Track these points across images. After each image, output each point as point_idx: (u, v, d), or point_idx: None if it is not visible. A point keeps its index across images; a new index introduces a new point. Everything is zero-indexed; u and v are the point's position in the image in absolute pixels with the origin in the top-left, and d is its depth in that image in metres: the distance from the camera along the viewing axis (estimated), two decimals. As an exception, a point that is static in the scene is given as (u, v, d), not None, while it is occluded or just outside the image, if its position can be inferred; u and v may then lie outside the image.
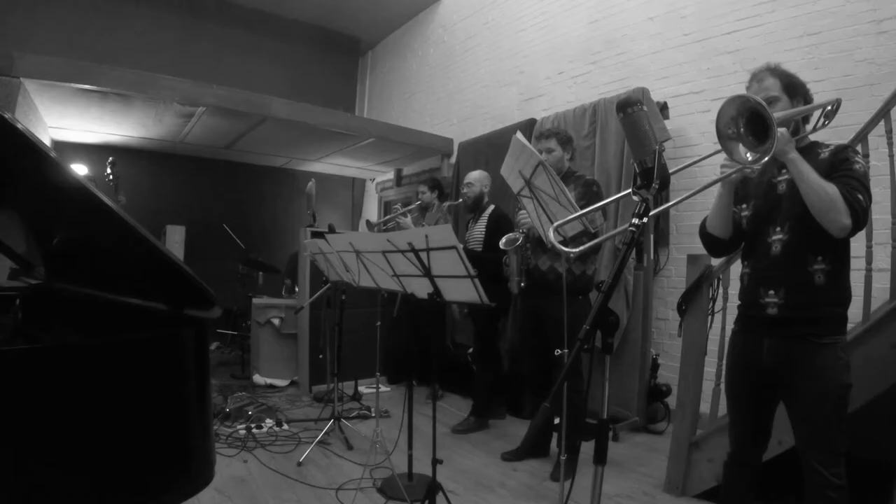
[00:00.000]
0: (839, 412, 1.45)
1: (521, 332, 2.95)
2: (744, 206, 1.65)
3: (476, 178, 3.40)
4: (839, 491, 1.42)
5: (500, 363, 3.65)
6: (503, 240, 2.64)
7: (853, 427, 1.83)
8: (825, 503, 1.42)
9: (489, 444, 3.13)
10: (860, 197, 1.37)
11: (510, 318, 3.83)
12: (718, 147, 1.29)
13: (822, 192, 1.36)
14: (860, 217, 1.36)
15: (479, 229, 3.37)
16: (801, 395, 1.49)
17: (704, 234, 1.72)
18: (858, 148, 1.85)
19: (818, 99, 1.63)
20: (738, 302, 1.73)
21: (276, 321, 4.39)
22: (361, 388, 4.13)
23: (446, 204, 4.12)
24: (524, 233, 2.59)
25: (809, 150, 1.51)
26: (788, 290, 1.49)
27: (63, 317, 1.73)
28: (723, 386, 2.42)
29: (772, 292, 1.51)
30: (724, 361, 1.87)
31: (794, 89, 1.55)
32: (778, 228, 1.53)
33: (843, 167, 1.44)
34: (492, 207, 3.39)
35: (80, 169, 4.98)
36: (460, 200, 3.62)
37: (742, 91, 1.57)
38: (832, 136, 2.46)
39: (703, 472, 2.31)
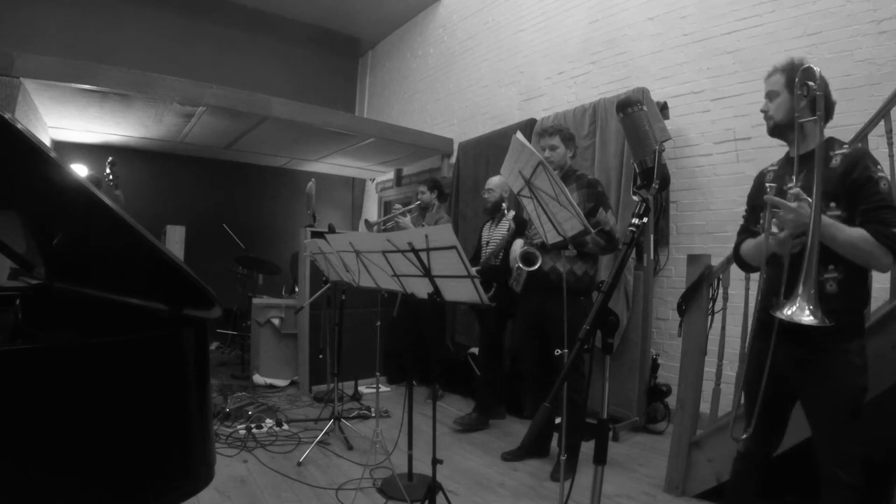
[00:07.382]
0: (853, 415, 1.47)
1: (522, 332, 2.95)
2: (762, 215, 1.65)
3: (497, 183, 3.47)
4: (852, 490, 1.45)
5: (503, 362, 3.66)
6: (519, 258, 2.68)
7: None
8: (838, 501, 1.46)
9: (489, 444, 3.13)
10: (895, 231, 1.36)
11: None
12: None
13: (857, 250, 1.38)
14: None
15: (500, 232, 3.43)
16: (816, 400, 1.52)
17: (743, 264, 1.78)
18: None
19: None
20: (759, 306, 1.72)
21: (276, 321, 4.39)
22: (361, 388, 4.13)
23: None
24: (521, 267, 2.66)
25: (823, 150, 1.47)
26: None
27: (63, 317, 1.73)
28: (723, 386, 2.41)
29: (785, 300, 1.50)
30: (746, 363, 1.86)
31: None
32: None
33: (867, 191, 1.41)
34: (513, 212, 3.42)
35: (80, 169, 4.98)
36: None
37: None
38: (832, 135, 2.49)
39: (703, 472, 2.31)
